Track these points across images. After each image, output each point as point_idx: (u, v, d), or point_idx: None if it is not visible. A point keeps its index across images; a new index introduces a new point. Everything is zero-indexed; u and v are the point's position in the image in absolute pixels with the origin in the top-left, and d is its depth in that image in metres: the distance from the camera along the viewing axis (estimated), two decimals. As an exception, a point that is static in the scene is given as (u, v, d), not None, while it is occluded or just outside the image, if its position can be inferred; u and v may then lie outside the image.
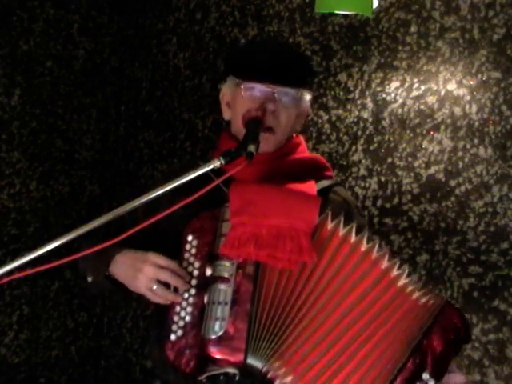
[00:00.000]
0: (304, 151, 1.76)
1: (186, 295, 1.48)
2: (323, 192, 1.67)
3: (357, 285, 1.47)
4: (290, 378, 1.41)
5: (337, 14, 2.61)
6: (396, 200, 2.46)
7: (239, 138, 1.65)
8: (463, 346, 1.53)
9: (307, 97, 1.72)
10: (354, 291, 1.47)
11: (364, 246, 1.49)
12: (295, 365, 1.42)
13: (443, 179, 2.35)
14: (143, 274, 1.48)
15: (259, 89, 1.63)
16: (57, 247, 1.32)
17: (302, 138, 1.78)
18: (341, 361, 1.43)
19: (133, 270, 1.51)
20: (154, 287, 1.47)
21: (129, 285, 1.54)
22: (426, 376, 1.42)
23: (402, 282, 1.48)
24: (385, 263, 1.49)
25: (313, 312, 1.45)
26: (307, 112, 1.76)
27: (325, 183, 1.72)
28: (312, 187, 1.64)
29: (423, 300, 1.48)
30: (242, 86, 1.65)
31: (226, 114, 1.75)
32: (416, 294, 1.48)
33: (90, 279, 1.65)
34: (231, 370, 1.43)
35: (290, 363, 1.42)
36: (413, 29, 2.47)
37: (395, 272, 1.49)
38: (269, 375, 1.42)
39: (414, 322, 1.46)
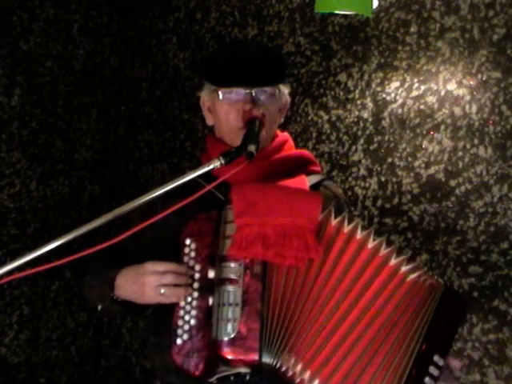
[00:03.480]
0: (291, 148, 1.76)
1: (189, 299, 1.48)
2: (314, 187, 1.68)
3: (370, 283, 1.48)
4: (307, 373, 1.42)
5: (337, 14, 2.61)
6: (396, 200, 2.46)
7: (225, 141, 1.68)
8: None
9: (285, 89, 1.73)
10: (369, 290, 1.48)
11: (371, 243, 1.50)
12: (312, 359, 1.43)
13: (443, 179, 2.35)
14: (147, 285, 1.49)
15: (236, 92, 1.64)
16: (57, 247, 1.32)
17: (287, 135, 1.78)
18: (354, 353, 1.44)
19: (136, 286, 1.51)
20: (162, 291, 1.47)
21: (139, 301, 1.54)
22: (436, 358, 1.45)
23: (412, 276, 1.50)
24: (393, 260, 1.50)
25: (328, 309, 1.46)
26: (288, 104, 1.77)
27: (314, 178, 1.73)
28: (304, 182, 1.65)
29: (427, 284, 1.50)
30: (219, 92, 1.66)
31: (209, 120, 1.76)
32: (423, 280, 1.50)
33: (99, 307, 1.65)
34: (243, 370, 1.43)
35: (307, 358, 1.43)
36: (413, 29, 2.47)
37: (404, 268, 1.50)
38: (284, 372, 1.42)
39: (421, 308, 1.49)
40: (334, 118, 2.68)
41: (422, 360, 1.44)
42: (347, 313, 1.46)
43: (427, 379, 1.43)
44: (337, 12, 2.26)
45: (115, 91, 3.57)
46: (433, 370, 1.44)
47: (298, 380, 1.42)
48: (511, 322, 2.16)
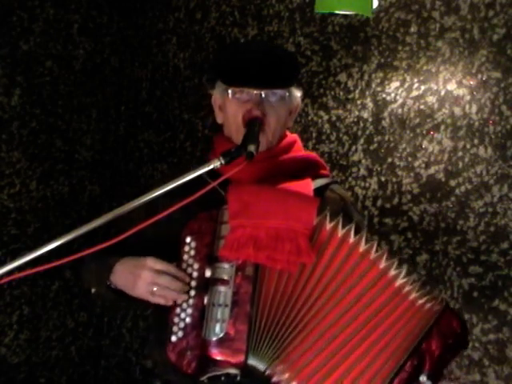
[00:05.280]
0: (299, 150, 1.76)
1: (186, 297, 1.48)
2: (320, 190, 1.68)
3: (355, 285, 1.48)
4: (287, 375, 1.43)
5: (337, 14, 2.61)
6: (396, 200, 2.46)
7: (233, 140, 1.67)
8: (461, 350, 1.54)
9: (297, 93, 1.74)
10: (353, 291, 1.48)
11: (362, 247, 1.50)
12: (298, 366, 1.44)
13: (443, 179, 2.35)
14: (142, 279, 1.50)
15: (246, 92, 1.65)
16: (57, 247, 1.32)
17: (296, 137, 1.78)
18: (337, 359, 1.44)
19: (132, 276, 1.52)
20: (154, 289, 1.48)
21: (129, 291, 1.55)
22: (423, 378, 1.43)
23: (400, 281, 1.49)
24: (383, 263, 1.50)
25: (313, 313, 1.46)
26: (299, 107, 1.77)
27: (321, 181, 1.73)
28: (309, 186, 1.65)
29: (421, 301, 1.49)
30: (229, 91, 1.67)
31: (219, 118, 1.76)
32: (414, 295, 1.49)
33: (93, 290, 1.67)
34: (232, 371, 1.43)
35: (293, 364, 1.44)
36: (413, 29, 2.47)
37: (393, 272, 1.50)
38: (270, 375, 1.43)
39: (412, 324, 1.47)
40: (334, 118, 2.68)
41: (406, 376, 1.42)
42: (327, 312, 1.46)
43: None
44: (337, 12, 2.26)
45: (115, 91, 3.57)
46: None
47: (271, 374, 1.43)
48: (511, 322, 2.16)
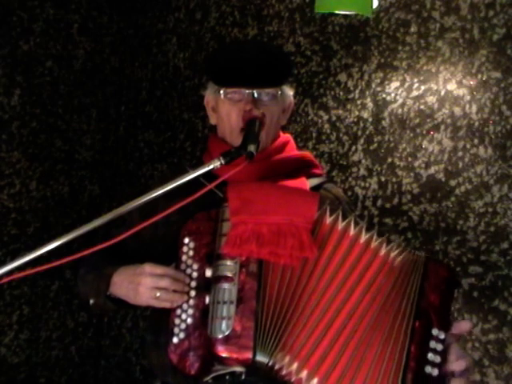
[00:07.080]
0: (292, 149, 1.77)
1: (187, 297, 1.48)
2: (314, 190, 1.68)
3: (362, 276, 1.48)
4: (304, 372, 1.41)
5: (337, 14, 2.61)
6: (396, 200, 2.46)
7: (227, 141, 1.69)
8: (456, 290, 1.56)
9: (289, 91, 1.74)
10: (361, 283, 1.47)
11: (363, 238, 1.50)
12: (307, 359, 1.42)
13: (443, 179, 2.35)
14: (142, 286, 1.48)
15: (238, 92, 1.65)
16: (57, 247, 1.32)
17: (290, 137, 1.79)
18: (359, 355, 1.43)
19: (132, 285, 1.51)
20: (158, 294, 1.47)
21: (132, 301, 1.54)
22: (435, 331, 1.44)
23: (399, 259, 1.50)
24: (383, 250, 1.50)
25: (321, 307, 1.45)
26: (292, 105, 1.78)
27: (315, 181, 1.73)
28: (304, 184, 1.65)
29: (409, 261, 1.50)
30: (221, 91, 1.67)
31: (212, 119, 1.77)
32: (395, 256, 1.50)
33: (91, 302, 1.65)
34: (238, 369, 1.43)
35: (302, 359, 1.42)
36: (413, 29, 2.47)
37: (392, 255, 1.50)
38: (279, 371, 1.41)
39: (406, 287, 1.48)
40: (334, 118, 2.68)
41: (420, 337, 1.42)
42: (340, 308, 1.45)
43: (430, 355, 1.42)
44: (337, 12, 2.27)
45: (115, 91, 3.57)
46: (434, 344, 1.42)
47: (293, 378, 1.41)
48: (511, 322, 2.16)
